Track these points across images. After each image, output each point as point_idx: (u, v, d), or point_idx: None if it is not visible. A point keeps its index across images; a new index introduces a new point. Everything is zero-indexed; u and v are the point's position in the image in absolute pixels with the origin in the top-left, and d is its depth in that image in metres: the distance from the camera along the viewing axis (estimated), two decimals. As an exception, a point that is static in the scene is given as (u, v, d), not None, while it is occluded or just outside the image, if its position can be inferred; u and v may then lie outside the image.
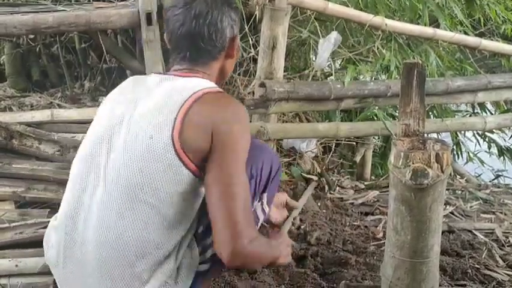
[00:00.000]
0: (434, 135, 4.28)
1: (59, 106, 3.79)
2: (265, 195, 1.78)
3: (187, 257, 1.55)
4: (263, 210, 1.80)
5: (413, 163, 1.30)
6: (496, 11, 4.04)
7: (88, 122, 3.03)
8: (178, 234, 1.51)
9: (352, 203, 3.18)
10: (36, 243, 2.26)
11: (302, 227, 2.69)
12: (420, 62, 1.31)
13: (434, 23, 3.88)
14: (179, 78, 1.59)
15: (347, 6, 3.45)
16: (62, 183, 2.64)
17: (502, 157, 4.47)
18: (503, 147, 4.41)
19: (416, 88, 1.36)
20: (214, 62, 1.63)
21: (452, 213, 3.10)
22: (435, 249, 1.42)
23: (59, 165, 2.73)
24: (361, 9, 3.57)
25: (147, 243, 1.45)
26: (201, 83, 1.55)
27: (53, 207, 2.59)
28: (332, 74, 4.04)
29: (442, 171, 1.31)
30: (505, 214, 3.13)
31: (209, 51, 1.60)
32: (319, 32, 3.54)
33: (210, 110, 1.47)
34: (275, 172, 1.78)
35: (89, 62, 4.47)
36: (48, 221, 2.33)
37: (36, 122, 3.02)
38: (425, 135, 3.89)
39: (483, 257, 2.54)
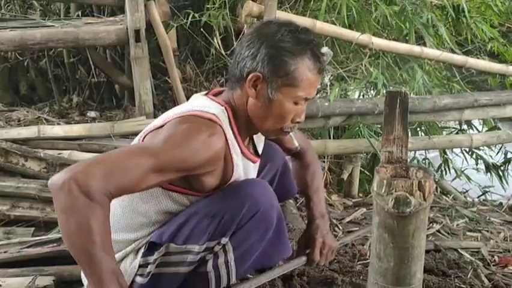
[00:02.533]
0: (422, 152, 4.33)
1: (47, 121, 3.76)
2: (226, 240, 1.64)
3: (128, 263, 1.68)
4: (227, 263, 1.67)
5: (395, 191, 1.30)
6: (482, 29, 4.08)
7: (74, 139, 3.06)
8: (132, 237, 1.67)
9: (340, 221, 3.18)
10: (20, 263, 2.24)
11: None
12: (403, 90, 1.32)
13: (422, 40, 3.92)
14: (197, 99, 1.70)
15: (335, 24, 3.47)
16: (48, 202, 2.64)
17: (489, 173, 4.49)
18: (490, 164, 4.44)
19: (399, 117, 1.37)
20: (238, 89, 1.64)
21: (438, 231, 3.11)
22: (418, 277, 1.42)
23: (45, 182, 2.71)
24: (349, 27, 3.60)
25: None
26: (195, 106, 1.61)
27: (38, 225, 2.57)
28: (321, 91, 4.05)
29: (425, 199, 1.32)
30: (491, 232, 3.15)
31: (232, 71, 1.65)
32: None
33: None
34: (249, 219, 1.62)
35: (78, 77, 4.45)
36: (33, 240, 2.34)
37: (22, 139, 2.99)
38: (413, 152, 3.92)
39: (469, 276, 2.54)
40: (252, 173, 1.84)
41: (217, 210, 1.59)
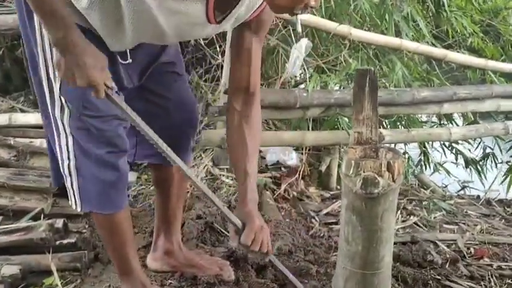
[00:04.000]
0: (402, 145, 4.32)
1: (22, 110, 3.68)
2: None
3: None
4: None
5: (363, 171, 1.27)
6: (462, 23, 4.08)
7: (46, 127, 2.99)
8: None
9: (317, 213, 3.16)
10: (-13, 250, 2.19)
11: (264, 236, 2.65)
12: (372, 68, 1.29)
13: (401, 34, 3.90)
14: None
15: (315, 15, 3.43)
16: (17, 190, 2.57)
17: (468, 168, 4.50)
18: (469, 158, 4.45)
19: (369, 95, 1.34)
20: None
21: (416, 223, 3.11)
22: (387, 260, 1.39)
23: (15, 171, 2.64)
24: (330, 19, 3.57)
25: None
26: None
27: (6, 214, 2.50)
28: (302, 83, 4.03)
29: (393, 181, 1.29)
30: (468, 225, 3.15)
31: None
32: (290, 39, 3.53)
33: None
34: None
35: (54, 66, 4.37)
36: (0, 228, 2.28)
37: (-7, 127, 2.92)
38: (392, 145, 3.92)
39: (445, 267, 2.54)
40: (197, 29, 1.64)
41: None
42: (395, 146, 4.23)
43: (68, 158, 1.70)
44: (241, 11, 1.58)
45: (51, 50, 1.59)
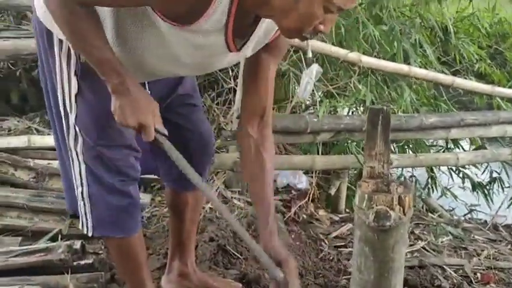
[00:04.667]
0: (409, 169, 4.37)
1: (38, 131, 3.77)
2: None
3: None
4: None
5: (376, 205, 1.34)
6: (469, 50, 4.16)
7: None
8: None
9: (326, 236, 3.20)
10: (7, 272, 2.24)
11: (275, 259, 2.69)
12: (385, 107, 1.36)
13: (409, 60, 3.98)
14: None
15: (325, 41, 3.53)
16: (36, 211, 2.64)
17: (475, 192, 4.54)
18: (476, 182, 4.49)
19: (381, 133, 1.41)
20: None
21: (423, 248, 3.15)
22: (398, 290, 1.46)
23: (34, 192, 2.72)
24: (340, 45, 3.66)
25: None
26: None
27: (26, 235, 2.57)
28: (311, 106, 4.10)
29: (404, 214, 1.35)
30: (475, 250, 3.19)
31: None
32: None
33: None
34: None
35: (70, 87, 4.46)
36: (20, 249, 2.34)
37: (12, 148, 3.00)
38: (400, 169, 3.95)
39: (452, 293, 2.58)
40: (218, 59, 1.67)
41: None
42: (402, 170, 4.30)
43: (81, 185, 1.76)
44: (260, 35, 1.59)
45: (69, 82, 1.66)
